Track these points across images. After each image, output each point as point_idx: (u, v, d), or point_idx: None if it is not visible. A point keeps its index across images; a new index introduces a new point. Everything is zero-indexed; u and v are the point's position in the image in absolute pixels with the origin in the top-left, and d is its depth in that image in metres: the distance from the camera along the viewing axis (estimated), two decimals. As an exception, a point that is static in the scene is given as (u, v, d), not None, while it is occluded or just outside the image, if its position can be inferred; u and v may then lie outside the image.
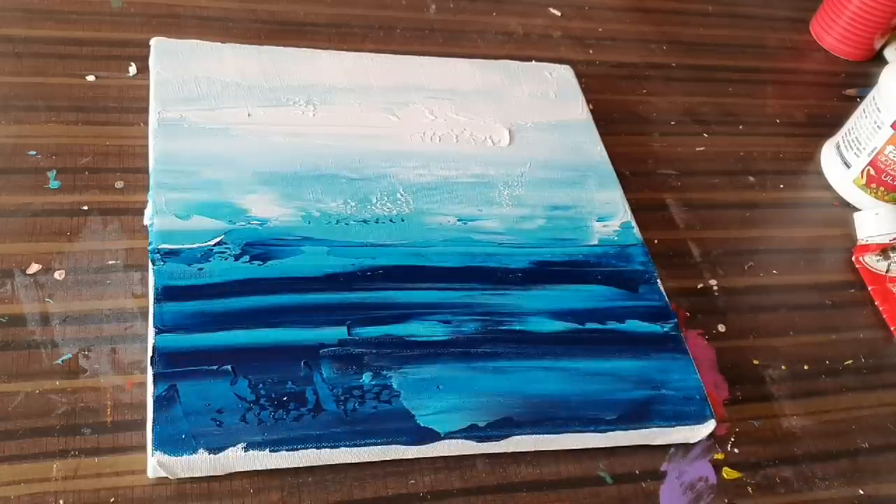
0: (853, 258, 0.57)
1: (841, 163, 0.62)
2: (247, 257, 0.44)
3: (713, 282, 0.53)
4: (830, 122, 0.67)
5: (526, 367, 0.43)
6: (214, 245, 0.44)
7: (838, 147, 0.62)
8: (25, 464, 0.37)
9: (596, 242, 0.50)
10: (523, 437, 0.41)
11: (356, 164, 0.50)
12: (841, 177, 0.62)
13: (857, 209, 0.61)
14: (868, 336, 0.53)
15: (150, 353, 0.39)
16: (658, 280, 0.49)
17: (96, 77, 0.53)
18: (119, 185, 0.48)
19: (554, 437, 0.42)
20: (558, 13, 0.70)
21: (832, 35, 0.75)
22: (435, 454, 0.41)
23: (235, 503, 0.38)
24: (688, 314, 0.51)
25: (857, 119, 0.60)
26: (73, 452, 0.38)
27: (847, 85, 0.72)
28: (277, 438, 0.38)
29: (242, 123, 0.50)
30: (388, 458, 0.40)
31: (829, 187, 0.62)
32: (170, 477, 0.37)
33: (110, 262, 0.45)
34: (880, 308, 0.55)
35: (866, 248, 0.57)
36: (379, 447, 0.39)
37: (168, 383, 0.38)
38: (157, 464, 0.36)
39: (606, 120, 0.60)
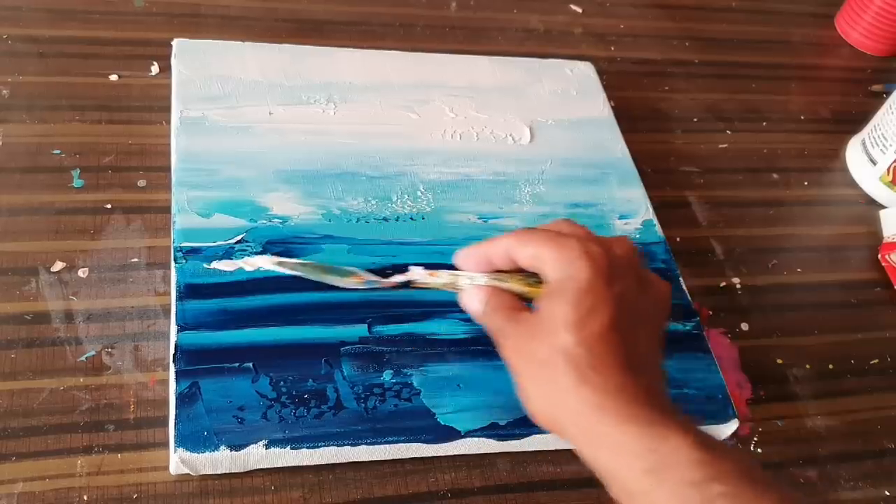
0: (879, 256, 0.56)
1: (867, 160, 0.61)
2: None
3: (736, 280, 0.53)
4: (856, 119, 0.66)
5: (547, 365, 0.43)
6: (236, 243, 0.44)
7: (864, 144, 0.62)
8: (50, 459, 0.37)
9: (617, 240, 0.50)
10: (544, 435, 0.41)
11: (377, 161, 0.50)
12: (867, 174, 0.61)
13: (882, 206, 0.60)
14: (894, 335, 0.52)
15: (172, 351, 0.39)
16: (680, 278, 0.49)
17: (119, 76, 0.54)
18: (141, 183, 0.48)
19: (575, 435, 0.41)
20: (579, 10, 0.70)
21: (857, 30, 0.74)
22: (455, 452, 0.41)
23: (257, 500, 0.38)
24: (710, 313, 0.51)
25: (884, 115, 0.60)
26: (96, 448, 0.38)
27: (873, 81, 0.71)
28: (298, 436, 0.38)
29: (263, 122, 0.50)
30: (408, 457, 0.40)
31: (854, 185, 0.62)
32: (192, 473, 0.38)
33: (133, 260, 0.45)
34: (907, 307, 0.54)
35: (892, 246, 0.56)
36: (399, 445, 0.39)
37: (190, 380, 0.39)
38: (179, 460, 0.37)
39: (628, 117, 0.59)
